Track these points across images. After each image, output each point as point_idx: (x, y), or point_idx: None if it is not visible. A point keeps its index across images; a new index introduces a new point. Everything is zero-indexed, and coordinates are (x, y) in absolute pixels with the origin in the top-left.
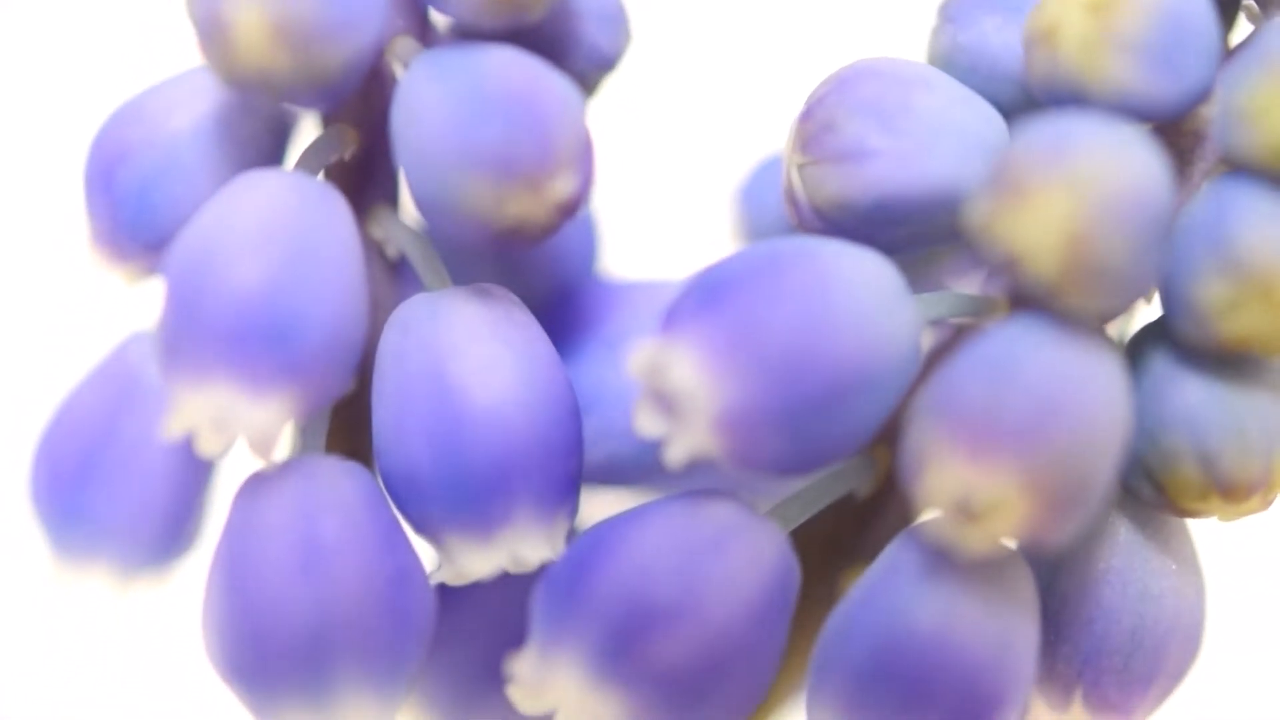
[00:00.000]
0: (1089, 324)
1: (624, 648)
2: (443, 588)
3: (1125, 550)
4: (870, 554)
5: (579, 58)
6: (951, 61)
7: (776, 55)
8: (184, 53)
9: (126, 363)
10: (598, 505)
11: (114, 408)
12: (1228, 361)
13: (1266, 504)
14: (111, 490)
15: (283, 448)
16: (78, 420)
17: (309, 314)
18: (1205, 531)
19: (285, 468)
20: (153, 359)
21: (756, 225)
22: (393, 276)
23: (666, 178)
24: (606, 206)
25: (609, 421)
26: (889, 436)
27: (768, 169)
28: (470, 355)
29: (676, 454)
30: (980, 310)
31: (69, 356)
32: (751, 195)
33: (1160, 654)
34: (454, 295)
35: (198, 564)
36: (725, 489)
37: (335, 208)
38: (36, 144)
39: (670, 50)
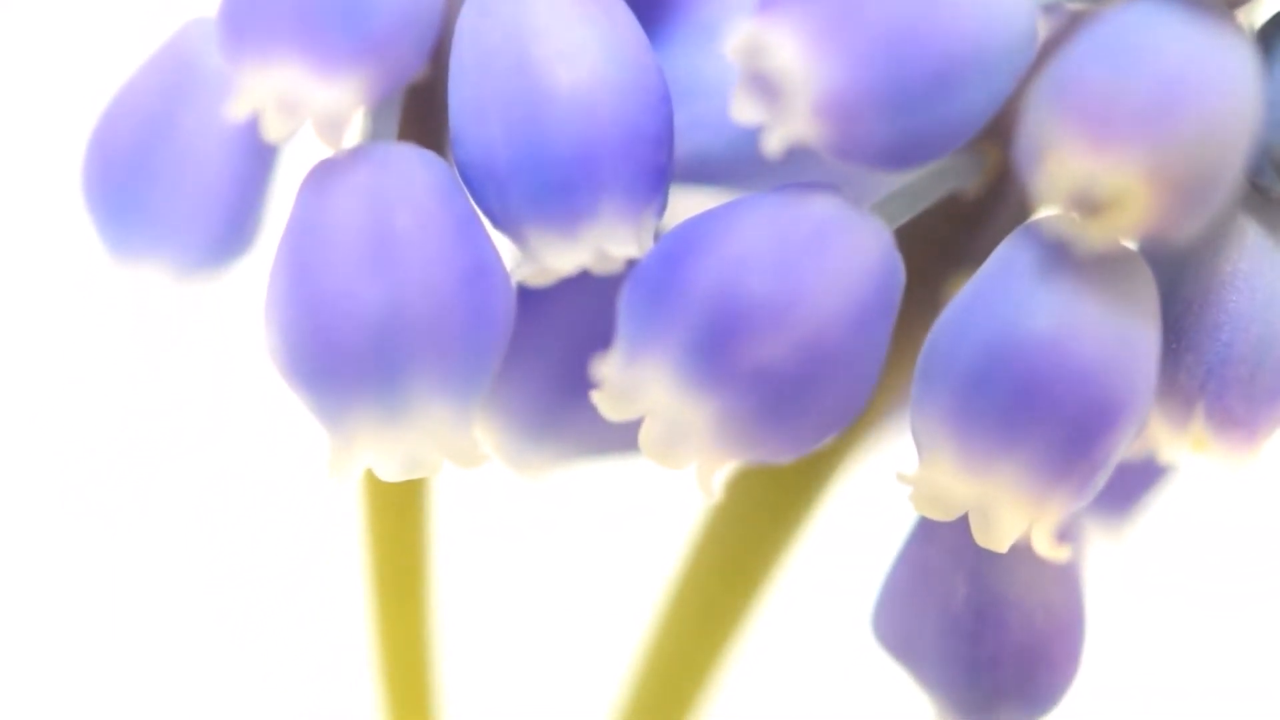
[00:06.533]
0: (1218, 6)
1: (717, 348)
2: (522, 288)
3: (1253, 252)
4: (977, 258)
5: None
6: None
7: None
8: None
9: (184, 50)
10: (686, 208)
11: (171, 97)
12: None
13: None
14: (169, 182)
15: (352, 134)
16: (132, 111)
17: None
18: None
19: (355, 154)
20: (212, 45)
21: None
22: None
23: None
24: None
25: (700, 112)
26: (1000, 131)
27: None
28: (555, 35)
29: (775, 142)
30: None
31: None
32: None
33: None
34: None
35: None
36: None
37: None
38: None
39: None
